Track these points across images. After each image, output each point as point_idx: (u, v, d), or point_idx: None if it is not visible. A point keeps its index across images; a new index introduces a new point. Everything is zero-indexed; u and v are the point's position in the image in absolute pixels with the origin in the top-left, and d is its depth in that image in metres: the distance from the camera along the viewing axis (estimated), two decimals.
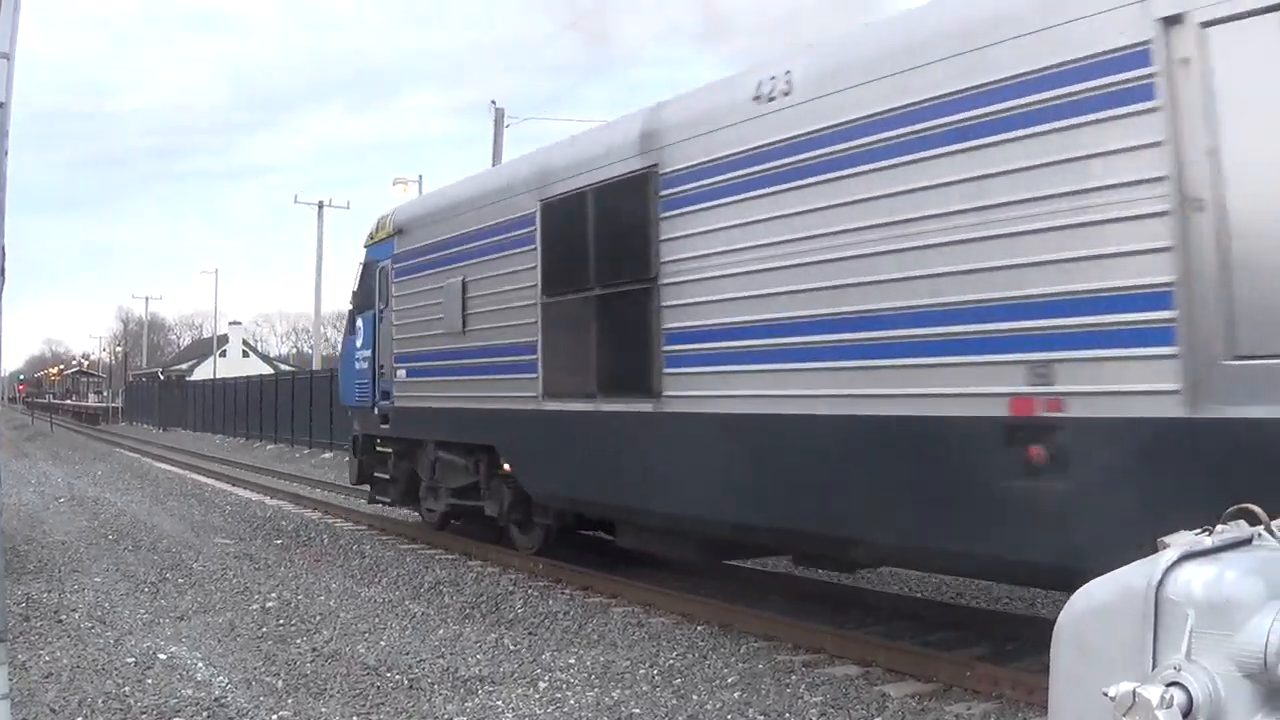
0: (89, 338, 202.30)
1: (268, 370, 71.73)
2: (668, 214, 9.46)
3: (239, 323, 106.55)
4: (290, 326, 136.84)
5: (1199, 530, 1.94)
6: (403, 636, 9.27)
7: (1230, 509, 1.99)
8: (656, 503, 9.76)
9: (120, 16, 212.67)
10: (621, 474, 10.15)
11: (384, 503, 16.38)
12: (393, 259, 14.99)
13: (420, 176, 37.82)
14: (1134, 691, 1.68)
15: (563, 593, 11.37)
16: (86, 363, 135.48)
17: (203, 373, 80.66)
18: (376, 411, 15.45)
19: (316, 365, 49.10)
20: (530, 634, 9.46)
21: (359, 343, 16.31)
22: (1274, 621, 1.66)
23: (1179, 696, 1.67)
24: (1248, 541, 1.92)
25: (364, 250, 16.35)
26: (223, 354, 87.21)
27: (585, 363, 10.60)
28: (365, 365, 15.94)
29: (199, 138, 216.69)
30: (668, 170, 9.49)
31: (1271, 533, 1.94)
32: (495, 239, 12.27)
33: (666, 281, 9.47)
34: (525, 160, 12.47)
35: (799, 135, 8.14)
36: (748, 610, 9.72)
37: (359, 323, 16.39)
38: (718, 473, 8.90)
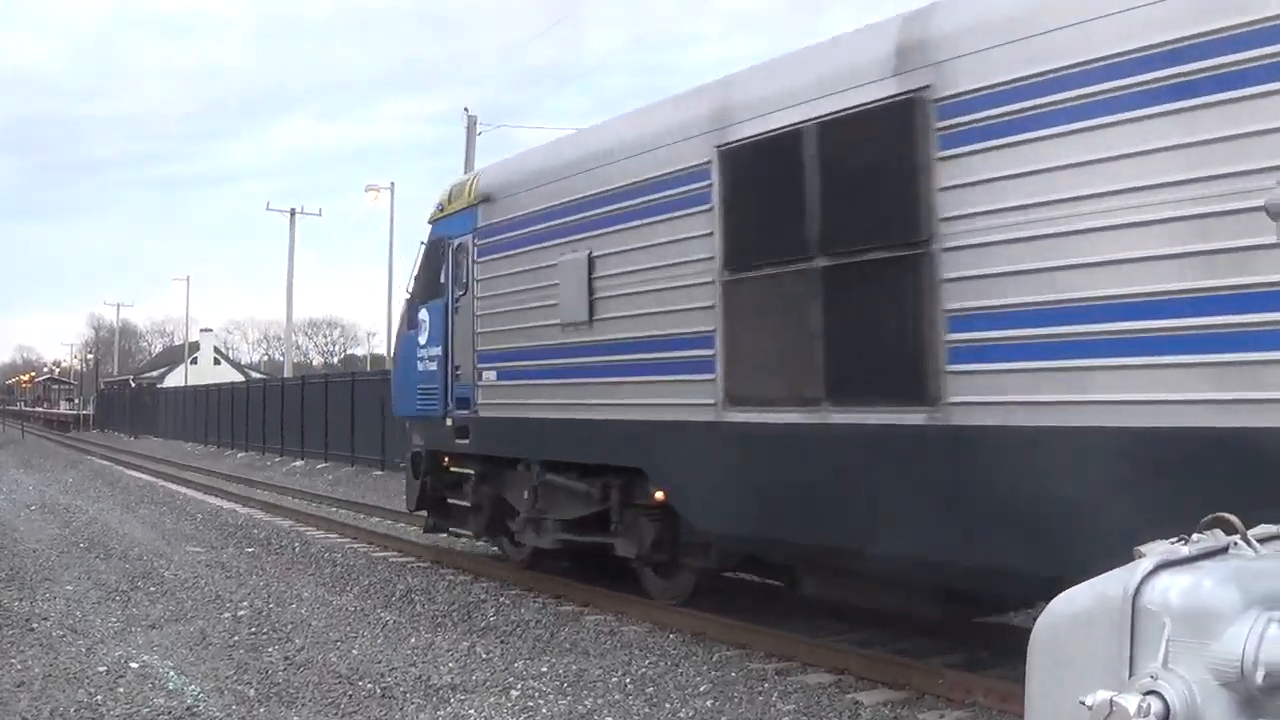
0: (60, 345, 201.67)
1: (239, 378, 71.34)
2: (950, 152, 7.04)
3: (210, 330, 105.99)
4: (262, 334, 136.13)
5: (1175, 539, 1.96)
6: (375, 645, 9.22)
7: (1206, 518, 2.01)
8: (913, 545, 7.27)
9: (91, 22, 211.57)
10: (863, 508, 7.65)
11: (457, 535, 13.87)
12: (476, 233, 12.19)
13: (393, 183, 37.89)
14: (1111, 700, 1.69)
15: (535, 601, 11.33)
16: (58, 370, 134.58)
17: (174, 380, 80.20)
18: (450, 423, 12.65)
19: (288, 373, 48.90)
20: (502, 642, 9.43)
21: (423, 339, 13.33)
22: (1250, 630, 1.67)
23: (1156, 705, 1.68)
24: (1223, 551, 1.93)
25: (428, 227, 13.51)
26: (194, 361, 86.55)
27: (802, 359, 8.13)
28: (434, 367, 13.06)
29: (171, 144, 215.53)
30: (949, 94, 7.04)
31: (1247, 542, 1.95)
32: (642, 201, 9.68)
33: (950, 245, 7.01)
34: (689, 97, 9.65)
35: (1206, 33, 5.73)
36: (720, 618, 9.69)
37: (422, 315, 13.39)
38: (1049, 509, 6.30)
